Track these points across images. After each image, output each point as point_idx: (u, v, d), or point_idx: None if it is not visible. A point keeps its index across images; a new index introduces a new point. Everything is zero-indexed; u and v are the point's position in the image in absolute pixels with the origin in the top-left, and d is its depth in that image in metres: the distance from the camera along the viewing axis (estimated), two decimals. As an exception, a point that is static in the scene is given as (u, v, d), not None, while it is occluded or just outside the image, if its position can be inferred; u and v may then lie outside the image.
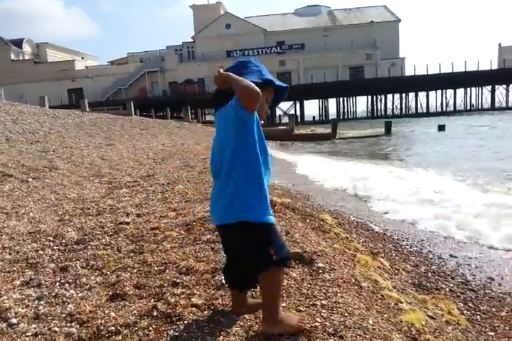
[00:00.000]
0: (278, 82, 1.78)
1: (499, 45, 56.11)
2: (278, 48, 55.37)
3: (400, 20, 56.78)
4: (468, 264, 3.87)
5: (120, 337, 1.86)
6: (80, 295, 2.35)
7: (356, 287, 2.19)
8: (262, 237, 1.69)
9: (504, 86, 55.65)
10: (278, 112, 58.08)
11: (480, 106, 56.96)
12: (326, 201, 6.72)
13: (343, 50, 53.36)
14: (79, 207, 4.56)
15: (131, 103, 25.72)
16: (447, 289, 3.18)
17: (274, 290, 1.73)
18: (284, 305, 1.94)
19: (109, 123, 17.85)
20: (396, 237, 4.76)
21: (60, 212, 4.37)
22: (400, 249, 4.17)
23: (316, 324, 1.76)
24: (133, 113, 24.98)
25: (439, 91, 57.01)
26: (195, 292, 2.16)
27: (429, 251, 4.26)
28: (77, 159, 8.40)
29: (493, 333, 2.49)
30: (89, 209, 4.49)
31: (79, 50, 63.30)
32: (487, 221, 5.07)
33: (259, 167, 1.69)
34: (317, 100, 58.46)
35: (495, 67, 53.04)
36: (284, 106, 59.98)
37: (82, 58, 61.74)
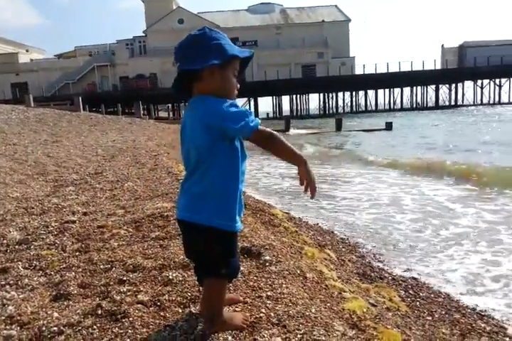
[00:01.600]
0: (242, 53, 1.60)
1: (442, 46, 58.94)
2: (231, 45, 55.24)
3: (350, 20, 58.28)
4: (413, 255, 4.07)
5: (63, 337, 1.81)
6: (21, 296, 2.27)
7: (301, 278, 2.26)
8: (223, 246, 1.62)
9: (447, 85, 58.52)
10: (232, 109, 57.98)
11: (425, 105, 59.58)
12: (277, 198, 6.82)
13: (296, 47, 54.10)
14: (22, 207, 4.38)
15: (80, 98, 24.83)
16: (390, 278, 3.34)
17: (216, 295, 1.70)
18: (232, 296, 1.97)
19: (56, 119, 17.18)
20: (344, 230, 4.93)
21: (1, 212, 4.17)
22: (347, 241, 4.32)
23: (261, 315, 1.80)
24: (81, 108, 24.14)
25: (387, 90, 59.12)
26: (142, 289, 2.14)
27: (374, 246, 4.44)
28: (20, 156, 8.04)
29: (430, 317, 2.64)
30: (33, 208, 4.31)
31: (23, 42, 60.16)
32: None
33: (238, 168, 1.60)
34: (271, 97, 58.93)
35: (438, 67, 55.66)
36: (239, 103, 59.87)
37: (27, 51, 58.76)
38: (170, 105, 56.21)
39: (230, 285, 2.10)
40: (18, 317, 2.01)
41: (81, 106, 24.22)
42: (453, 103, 58.55)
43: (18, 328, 1.93)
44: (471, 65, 53.45)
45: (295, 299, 1.91)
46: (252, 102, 56.46)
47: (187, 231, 1.67)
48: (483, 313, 2.85)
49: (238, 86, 1.69)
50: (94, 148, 10.15)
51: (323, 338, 1.60)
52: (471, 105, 57.36)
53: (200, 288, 1.98)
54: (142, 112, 34.08)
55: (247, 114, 1.55)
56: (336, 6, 61.71)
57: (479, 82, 59.06)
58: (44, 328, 1.88)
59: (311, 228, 4.72)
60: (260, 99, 57.11)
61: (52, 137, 12.22)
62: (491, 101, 59.36)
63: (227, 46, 1.55)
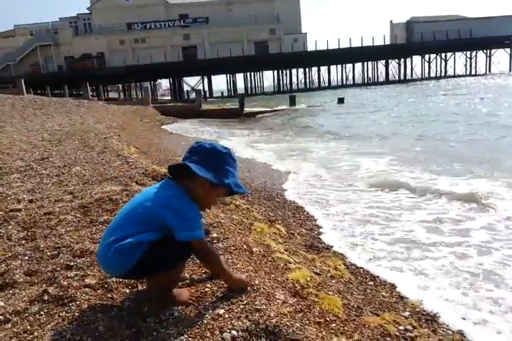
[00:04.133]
0: (236, 188, 1.79)
1: (391, 21, 59.91)
2: (181, 21, 53.69)
3: (300, -5, 57.78)
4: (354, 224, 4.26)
5: (10, 325, 1.81)
6: (-35, 288, 2.22)
7: (247, 252, 2.34)
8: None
9: (396, 60, 59.92)
10: (186, 88, 57.06)
11: (376, 80, 60.85)
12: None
13: (247, 24, 53.31)
14: (-38, 197, 4.19)
15: (22, 80, 23.51)
16: (338, 247, 3.50)
17: (169, 278, 1.80)
18: (178, 276, 2.02)
19: (-3, 104, 16.24)
20: (297, 205, 5.07)
21: None
22: (297, 215, 4.45)
23: (206, 289, 1.87)
24: (25, 91, 22.90)
25: (339, 66, 59.77)
26: (89, 273, 2.15)
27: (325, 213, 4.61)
28: (-42, 144, 7.60)
29: (372, 282, 2.82)
30: (-26, 198, 4.14)
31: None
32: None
33: None
34: (225, 75, 58.21)
35: (388, 42, 56.69)
36: (192, 81, 58.94)
37: (-41, 30, 54.57)
38: (120, 85, 54.31)
39: (178, 263, 2.15)
40: (-38, 309, 1.97)
41: (24, 89, 22.96)
42: (402, 77, 60.12)
43: (-38, 320, 1.90)
44: (418, 40, 54.81)
45: (240, 273, 1.99)
46: (206, 80, 55.61)
47: None
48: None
49: (214, 205, 2.03)
50: (40, 132, 9.73)
51: (264, 307, 1.70)
52: (419, 79, 59.11)
53: None
54: (90, 94, 32.82)
55: (197, 224, 1.75)
56: (286, -19, 60.90)
57: (426, 56, 60.81)
58: (-11, 317, 1.86)
59: (263, 204, 4.82)
60: (214, 78, 56.40)
61: (-6, 122, 11.59)
62: (438, 75, 61.42)
63: (231, 176, 1.78)
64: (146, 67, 48.09)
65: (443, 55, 60.76)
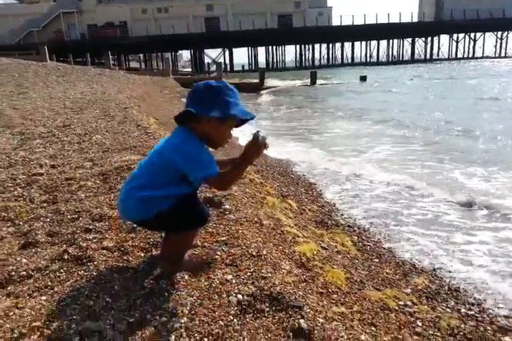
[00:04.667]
0: (243, 115, 1.79)
1: (420, -2, 57.68)
2: (205, -9, 52.67)
3: (328, -33, 55.90)
4: (368, 203, 4.32)
5: (32, 280, 1.95)
6: (-10, 245, 2.37)
7: (258, 225, 2.42)
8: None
9: (423, 39, 58.08)
10: (207, 60, 56.56)
11: (401, 58, 59.25)
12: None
13: (272, -4, 52.08)
14: (-13, 160, 4.35)
15: (45, 48, 23.61)
16: (346, 225, 3.57)
17: (184, 244, 1.91)
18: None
19: (21, 70, 16.41)
20: (312, 181, 5.13)
21: (-34, 165, 4.15)
22: (310, 192, 4.52)
23: (217, 257, 1.97)
24: (48, 58, 23.03)
25: (363, 43, 58.26)
26: (107, 236, 2.27)
27: (338, 192, 4.68)
28: (-17, 109, 7.79)
29: (377, 259, 2.89)
30: (-1, 161, 4.30)
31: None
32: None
33: None
34: (246, 48, 57.35)
35: (415, 20, 54.83)
36: (214, 53, 58.30)
37: (-17, -6, 54.59)
38: (141, 55, 54.03)
39: (191, 231, 2.25)
40: (-12, 263, 2.12)
41: (47, 56, 23.08)
42: (428, 57, 58.40)
43: (-12, 273, 2.04)
44: (447, 17, 52.84)
45: (249, 243, 2.08)
46: (227, 53, 54.94)
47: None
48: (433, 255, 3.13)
49: (230, 139, 1.91)
50: (62, 100, 9.87)
51: (270, 275, 1.79)
52: (445, 59, 57.36)
53: (162, 233, 2.14)
54: (112, 63, 32.78)
55: (207, 164, 1.74)
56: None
57: (455, 36, 58.76)
58: (13, 273, 2.00)
59: (277, 179, 4.89)
60: (235, 51, 55.66)
61: (18, 88, 11.76)
62: (465, 56, 59.45)
63: (233, 105, 1.76)
64: (168, 38, 47.66)
65: (472, 35, 58.61)
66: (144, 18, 51.30)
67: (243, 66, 58.08)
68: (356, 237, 3.28)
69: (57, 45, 39.01)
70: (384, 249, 3.15)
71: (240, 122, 1.87)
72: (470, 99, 15.52)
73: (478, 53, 59.93)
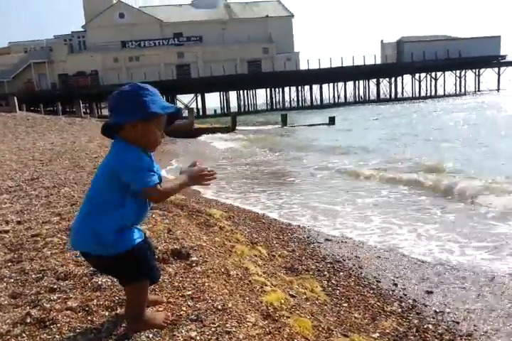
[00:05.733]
0: (165, 110, 1.78)
1: (381, 41, 61.28)
2: (176, 40, 54.58)
3: (293, 16, 59.13)
4: (340, 247, 4.38)
5: (-8, 347, 1.90)
6: (-51, 310, 2.30)
7: (225, 276, 2.45)
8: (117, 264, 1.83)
9: (387, 79, 61.08)
10: (179, 105, 57.51)
11: (368, 98, 61.83)
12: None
13: (241, 43, 54.29)
14: (-49, 218, 4.26)
15: (15, 98, 23.66)
16: (316, 270, 3.61)
17: (138, 298, 1.88)
18: (156, 298, 2.12)
19: (-11, 121, 16.36)
20: (283, 226, 5.18)
21: None
22: (281, 237, 4.56)
23: (182, 312, 1.97)
24: (17, 109, 23.04)
25: (331, 84, 60.76)
26: (72, 296, 2.25)
27: (308, 237, 4.73)
28: (-51, 163, 7.67)
29: (346, 304, 2.92)
30: (-37, 218, 4.21)
31: None
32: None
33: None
34: (218, 93, 58.87)
35: (379, 61, 57.89)
36: (186, 99, 59.51)
37: (-47, 47, 54.94)
38: (114, 103, 54.42)
39: (157, 286, 2.25)
40: None
41: (17, 107, 23.11)
42: (393, 96, 61.19)
43: None
44: (408, 59, 56.07)
45: (215, 296, 2.10)
46: (200, 98, 56.15)
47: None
48: (400, 296, 3.18)
49: (162, 139, 1.88)
50: (31, 151, 9.84)
51: (234, 329, 1.80)
52: (410, 98, 60.17)
53: None
54: (84, 111, 33.00)
55: (146, 174, 1.72)
56: (278, 1, 62.38)
57: (417, 75, 62.06)
58: (-27, 339, 1.95)
59: (248, 225, 4.93)
60: (208, 95, 56.97)
61: (-14, 141, 11.69)
62: (428, 94, 62.56)
63: (151, 103, 1.74)
64: (140, 85, 48.50)
65: (433, 74, 62.06)
66: (115, 66, 52.37)
67: (215, 110, 59.31)
68: (326, 282, 3.31)
69: (27, 95, 39.15)
70: (354, 292, 3.19)
71: (170, 118, 1.86)
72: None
73: (440, 91, 63.22)
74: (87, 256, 1.88)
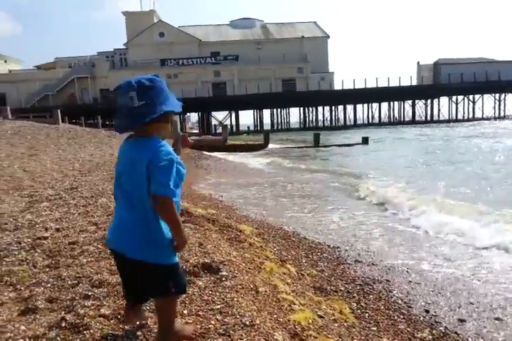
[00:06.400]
0: (172, 108, 1.80)
1: (418, 63, 60.71)
2: (213, 59, 55.89)
3: (328, 37, 59.61)
4: (371, 270, 4.31)
5: (28, 349, 1.98)
6: (-10, 311, 2.41)
7: (253, 292, 2.46)
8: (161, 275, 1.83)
9: (423, 101, 60.19)
10: (214, 122, 58.55)
11: (402, 119, 60.99)
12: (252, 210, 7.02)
13: (276, 62, 55.03)
14: (-5, 223, 4.47)
15: (58, 111, 24.71)
16: (345, 291, 3.56)
17: (171, 310, 1.91)
18: (185, 311, 2.16)
19: (34, 132, 17.10)
20: (312, 245, 5.15)
21: (-26, 228, 4.26)
22: (310, 256, 4.54)
23: (210, 326, 2.00)
24: (60, 121, 24.02)
25: (365, 105, 60.41)
26: (105, 303, 2.32)
27: (338, 257, 4.68)
28: (-5, 171, 8.06)
29: (375, 328, 2.87)
30: (6, 224, 4.41)
31: (0, 53, 59.48)
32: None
33: None
34: (252, 111, 59.56)
35: (414, 83, 57.26)
36: (220, 116, 60.50)
37: (5, 61, 58.14)
38: (151, 117, 55.96)
39: (187, 298, 2.29)
40: (-13, 331, 2.15)
41: (59, 119, 24.10)
42: (429, 118, 60.13)
43: (-14, 341, 2.07)
44: (445, 81, 55.20)
45: (243, 311, 2.12)
46: (233, 115, 56.95)
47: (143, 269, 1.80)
48: (431, 323, 3.09)
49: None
50: (72, 162, 10.22)
51: (262, 346, 1.81)
52: (446, 121, 58.98)
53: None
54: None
55: (169, 184, 1.73)
56: (315, 22, 63.15)
57: (454, 98, 60.90)
58: (10, 340, 2.04)
59: (278, 243, 4.93)
60: (241, 112, 57.72)
61: (30, 150, 12.21)
62: (465, 117, 61.15)
63: (163, 101, 1.77)
64: (177, 101, 49.83)
65: (471, 96, 60.76)
66: (154, 83, 53.94)
67: (248, 127, 59.89)
68: (355, 304, 3.27)
69: (70, 108, 40.80)
70: (383, 316, 3.13)
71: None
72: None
73: (478, 114, 61.71)
74: (122, 259, 1.82)
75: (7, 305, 2.49)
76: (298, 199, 8.42)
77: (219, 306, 2.19)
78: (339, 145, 25.68)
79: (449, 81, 54.70)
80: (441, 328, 3.01)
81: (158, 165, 1.70)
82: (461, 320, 3.16)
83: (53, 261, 3.16)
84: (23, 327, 2.17)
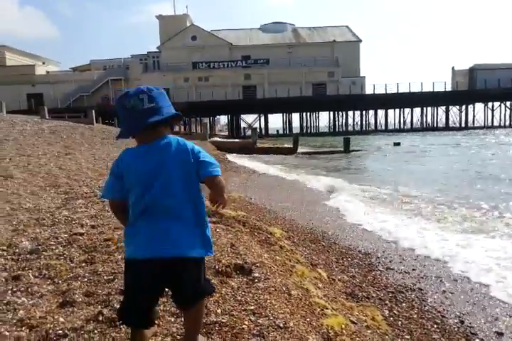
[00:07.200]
0: (169, 111, 1.84)
1: (452, 68, 59.27)
2: (243, 62, 56.23)
3: (360, 41, 59.00)
4: (403, 278, 4.23)
5: (67, 340, 2.03)
6: (31, 302, 2.49)
7: (286, 294, 2.45)
8: (202, 270, 1.84)
9: (457, 107, 58.69)
10: (243, 125, 58.84)
11: (435, 125, 59.65)
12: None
13: (307, 66, 54.85)
14: (34, 218, 4.63)
15: (93, 111, 25.38)
16: (377, 298, 3.50)
17: (202, 315, 1.90)
18: (219, 310, 2.18)
19: (69, 132, 17.63)
20: (342, 250, 5.09)
21: (14, 222, 4.42)
22: (340, 261, 4.49)
23: (244, 326, 2.00)
24: (94, 121, 24.65)
25: (397, 110, 59.38)
26: (140, 299, 2.35)
27: (370, 263, 4.61)
28: (34, 168, 8.34)
29: (408, 336, 2.81)
30: (44, 219, 4.56)
31: (39, 54, 61.65)
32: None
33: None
34: (281, 114, 59.52)
35: (449, 88, 55.92)
36: (249, 119, 60.75)
37: (43, 63, 60.22)
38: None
39: (220, 298, 2.31)
40: (28, 321, 2.23)
41: (94, 119, 24.75)
42: (463, 125, 58.59)
43: (28, 330, 2.15)
44: (481, 87, 53.69)
45: (276, 313, 2.11)
46: (263, 118, 57.07)
47: (181, 267, 1.74)
48: (467, 334, 3.00)
49: None
50: (106, 161, 10.46)
51: (296, 348, 1.80)
52: (481, 127, 57.33)
53: None
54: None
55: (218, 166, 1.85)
56: (347, 26, 62.64)
57: (490, 104, 59.14)
58: (51, 331, 2.10)
59: (308, 247, 4.90)
60: (271, 116, 57.75)
61: (65, 149, 12.58)
62: (502, 124, 59.25)
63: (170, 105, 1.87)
64: (208, 104, 50.35)
65: (508, 103, 58.83)
66: (185, 85, 54.74)
67: (277, 131, 59.86)
68: (388, 311, 3.21)
69: (103, 109, 41.85)
70: (417, 325, 3.06)
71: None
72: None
73: (516, 121, 59.63)
74: (155, 268, 1.72)
75: (46, 297, 2.57)
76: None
77: (252, 307, 2.19)
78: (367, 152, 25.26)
79: (485, 86, 53.15)
80: (477, 340, 2.91)
81: (200, 151, 1.80)
82: (499, 333, 3.05)
83: (89, 257, 3.24)
84: (61, 319, 2.23)
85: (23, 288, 2.69)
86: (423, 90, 53.87)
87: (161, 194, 1.75)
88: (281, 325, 1.99)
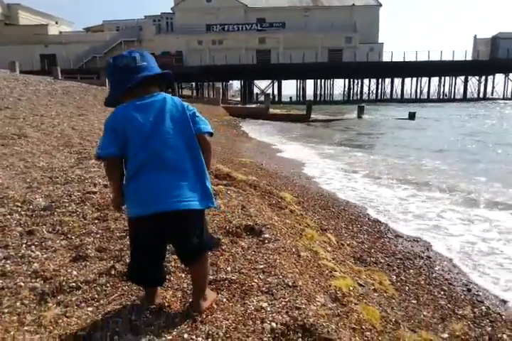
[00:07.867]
0: (159, 70, 1.91)
1: (474, 37, 57.04)
2: (258, 25, 54.68)
3: (380, 5, 56.72)
4: (412, 246, 4.23)
5: (80, 292, 2.09)
6: (44, 256, 2.55)
7: (295, 255, 2.47)
8: (204, 222, 1.87)
9: (477, 77, 56.98)
10: (256, 90, 58.05)
11: (453, 96, 58.23)
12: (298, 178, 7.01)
13: (323, 31, 53.14)
14: (47, 176, 4.67)
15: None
16: (385, 264, 3.53)
17: (207, 268, 1.92)
18: (229, 268, 2.20)
19: (82, 93, 17.55)
20: (352, 217, 5.10)
21: (28, 180, 4.47)
22: (350, 227, 4.50)
23: (253, 284, 2.03)
24: (107, 83, 24.46)
25: (414, 79, 57.87)
26: (152, 255, 2.39)
27: (379, 231, 4.62)
28: (47, 128, 8.37)
29: (415, 301, 2.84)
30: (57, 177, 4.60)
31: (53, 14, 60.55)
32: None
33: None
34: (295, 80, 58.43)
35: (469, 58, 54.07)
36: (262, 84, 59.82)
37: (56, 23, 59.25)
38: (194, 84, 56.32)
39: (231, 256, 2.33)
40: (42, 273, 2.29)
41: (107, 81, 24.52)
42: (481, 96, 57.08)
43: (42, 282, 2.20)
44: (503, 57, 51.80)
45: (285, 273, 2.13)
46: (276, 85, 56.14)
47: (183, 220, 1.73)
48: (473, 301, 3.03)
49: None
50: (117, 123, 10.43)
51: (304, 306, 1.82)
52: (500, 99, 55.84)
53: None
54: (166, 90, 34.33)
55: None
56: (367, -11, 60.13)
57: (511, 75, 57.28)
58: (64, 283, 2.16)
59: (318, 212, 4.92)
60: (284, 82, 56.73)
61: (78, 110, 12.55)
62: (521, 96, 57.65)
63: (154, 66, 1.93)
64: (221, 68, 49.51)
65: (531, 74, 56.96)
66: (198, 48, 53.71)
67: (291, 98, 59.01)
68: (395, 277, 3.23)
69: (116, 70, 41.41)
70: (423, 290, 3.08)
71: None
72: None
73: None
74: (162, 222, 1.72)
75: (59, 251, 2.62)
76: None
77: (262, 266, 2.21)
78: (385, 118, 24.91)
79: (508, 56, 51.26)
80: (483, 307, 2.94)
81: (194, 109, 1.89)
82: (504, 301, 3.07)
83: (102, 214, 3.28)
84: (74, 272, 2.28)
85: (37, 243, 2.74)
86: (442, 59, 52.15)
87: (162, 146, 1.74)
88: (290, 284, 2.01)
